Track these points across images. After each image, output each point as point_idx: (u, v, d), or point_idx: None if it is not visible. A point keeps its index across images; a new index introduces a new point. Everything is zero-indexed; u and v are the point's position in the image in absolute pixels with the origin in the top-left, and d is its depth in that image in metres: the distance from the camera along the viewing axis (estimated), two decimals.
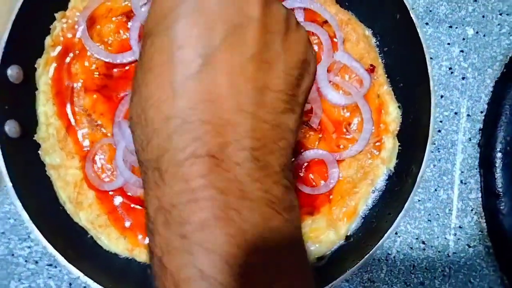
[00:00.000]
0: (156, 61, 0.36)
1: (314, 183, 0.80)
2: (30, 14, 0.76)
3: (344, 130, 0.82)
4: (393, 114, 0.82)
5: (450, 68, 1.00)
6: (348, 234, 0.80)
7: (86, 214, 0.77)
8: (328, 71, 0.83)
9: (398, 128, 0.83)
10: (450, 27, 1.02)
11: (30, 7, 0.76)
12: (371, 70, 0.84)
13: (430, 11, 1.03)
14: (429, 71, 0.76)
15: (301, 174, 0.80)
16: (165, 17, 0.36)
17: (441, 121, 0.97)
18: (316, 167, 0.81)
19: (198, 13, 0.36)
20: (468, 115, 0.98)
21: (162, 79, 0.35)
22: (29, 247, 0.89)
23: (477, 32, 1.02)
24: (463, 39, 1.02)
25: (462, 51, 1.01)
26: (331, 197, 0.81)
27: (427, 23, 1.02)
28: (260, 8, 0.37)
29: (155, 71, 0.35)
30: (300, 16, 0.84)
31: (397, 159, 0.82)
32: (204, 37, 0.35)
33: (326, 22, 0.85)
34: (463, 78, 1.00)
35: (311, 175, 0.81)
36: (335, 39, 0.84)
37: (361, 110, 0.81)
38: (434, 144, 0.96)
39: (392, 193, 0.80)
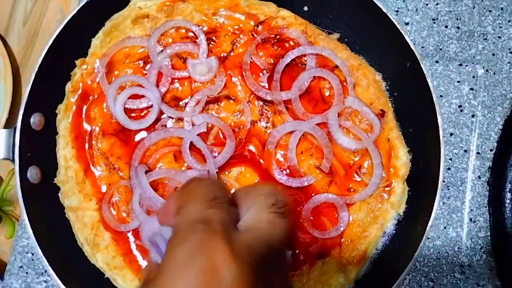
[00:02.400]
0: None
1: (324, 227, 0.82)
2: (52, 62, 0.79)
3: (355, 174, 0.84)
4: (403, 159, 0.84)
5: (460, 106, 1.01)
6: (358, 278, 0.81)
7: (103, 255, 0.79)
8: (339, 115, 0.85)
9: (407, 173, 0.84)
10: (460, 65, 1.03)
11: (53, 56, 0.79)
12: (381, 115, 0.85)
13: (440, 49, 1.04)
14: (438, 120, 0.77)
15: (312, 218, 0.82)
16: None
17: (450, 159, 0.98)
18: (327, 210, 0.83)
19: None
20: (477, 153, 0.99)
21: None
22: (45, 281, 0.91)
23: (487, 70, 1.03)
24: (473, 77, 1.03)
25: (472, 89, 1.02)
26: (342, 240, 0.82)
27: (437, 61, 1.03)
28: None
29: None
30: (312, 62, 0.86)
31: (406, 204, 0.84)
32: None
33: (337, 67, 0.86)
34: (472, 116, 1.01)
35: (321, 218, 0.83)
36: (345, 84, 0.86)
37: (371, 156, 0.82)
38: (444, 181, 0.96)
39: (401, 239, 0.81)
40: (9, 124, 1.02)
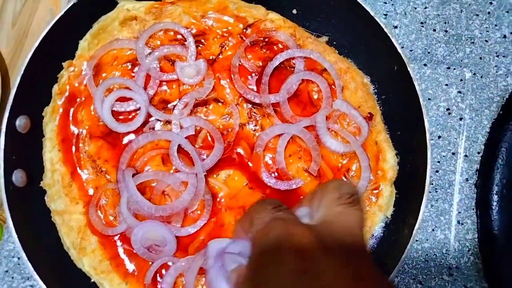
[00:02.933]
0: None
1: None
2: (39, 64, 0.78)
3: (343, 176, 0.84)
4: (390, 161, 0.84)
5: (448, 109, 1.02)
6: None
7: (89, 259, 0.78)
8: (327, 118, 0.85)
9: (395, 176, 0.84)
10: (448, 68, 1.04)
11: (39, 58, 0.78)
12: (369, 118, 0.85)
13: (429, 52, 1.05)
14: (425, 124, 0.77)
15: None
16: None
17: (438, 162, 0.99)
18: None
19: None
20: (465, 155, 1.00)
21: None
22: (31, 286, 0.90)
23: (474, 74, 1.04)
24: (461, 80, 1.04)
25: (459, 92, 1.03)
26: None
27: (425, 64, 1.04)
28: None
29: None
30: (300, 65, 0.86)
31: (394, 206, 0.84)
32: None
33: (325, 70, 0.87)
34: (460, 119, 1.02)
35: None
36: (333, 87, 0.86)
37: (359, 158, 0.83)
38: (432, 184, 0.97)
39: (389, 242, 0.81)
40: None
